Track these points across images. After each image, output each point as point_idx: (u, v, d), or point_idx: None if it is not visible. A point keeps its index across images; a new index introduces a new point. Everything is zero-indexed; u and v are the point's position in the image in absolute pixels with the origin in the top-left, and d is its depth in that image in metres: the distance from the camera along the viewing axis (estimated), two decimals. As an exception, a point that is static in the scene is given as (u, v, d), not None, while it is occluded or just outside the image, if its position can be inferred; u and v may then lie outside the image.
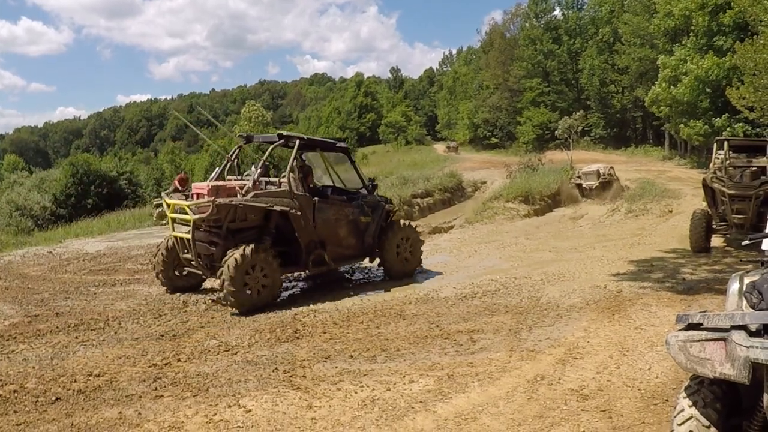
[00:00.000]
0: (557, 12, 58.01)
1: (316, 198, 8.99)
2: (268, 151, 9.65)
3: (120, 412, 4.65)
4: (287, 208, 8.49)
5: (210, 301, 8.38)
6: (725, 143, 12.01)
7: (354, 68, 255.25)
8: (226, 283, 7.71)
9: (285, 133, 9.63)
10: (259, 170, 9.03)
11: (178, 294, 8.97)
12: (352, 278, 10.30)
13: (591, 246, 12.44)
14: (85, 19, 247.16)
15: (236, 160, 9.81)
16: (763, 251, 3.81)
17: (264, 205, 8.39)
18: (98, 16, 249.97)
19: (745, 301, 3.04)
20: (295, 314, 7.57)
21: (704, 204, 12.24)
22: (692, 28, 30.45)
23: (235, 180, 9.23)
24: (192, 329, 7.02)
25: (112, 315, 7.78)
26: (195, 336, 6.73)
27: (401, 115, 72.09)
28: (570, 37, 55.04)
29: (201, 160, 52.21)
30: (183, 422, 4.45)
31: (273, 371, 5.46)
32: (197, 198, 8.32)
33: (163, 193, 9.70)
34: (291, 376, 5.32)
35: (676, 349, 2.90)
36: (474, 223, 18.08)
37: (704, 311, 2.99)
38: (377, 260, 10.03)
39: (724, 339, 2.75)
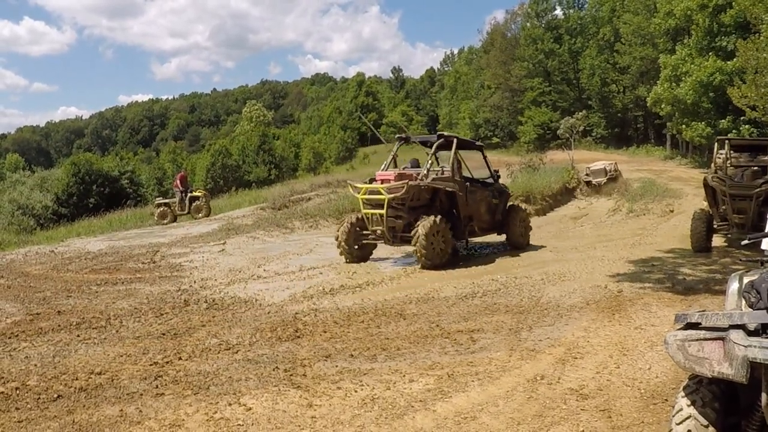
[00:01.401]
0: (558, 11, 58.10)
1: (467, 183, 11.32)
2: (434, 147, 11.31)
3: (121, 410, 4.66)
4: (454, 190, 10.75)
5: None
6: (726, 143, 12.00)
7: (356, 68, 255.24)
8: (420, 244, 9.91)
9: (445, 134, 11.78)
10: (429, 162, 10.99)
11: (179, 293, 9.01)
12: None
13: (592, 246, 12.44)
14: (88, 19, 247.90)
15: (396, 155, 11.85)
16: (763, 251, 3.82)
17: (441, 186, 10.72)
18: (100, 17, 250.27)
19: (743, 301, 3.04)
20: (296, 313, 7.58)
21: (705, 204, 12.21)
22: (693, 27, 30.37)
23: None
24: (193, 328, 7.02)
25: (113, 313, 7.80)
26: (196, 335, 6.74)
27: (402, 115, 71.98)
28: (571, 37, 55.04)
29: (202, 159, 52.34)
30: (184, 420, 4.47)
31: (273, 370, 5.47)
32: (382, 183, 10.56)
33: (349, 181, 11.81)
34: (291, 375, 5.33)
35: (675, 349, 2.90)
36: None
37: (703, 311, 2.99)
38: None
39: (722, 338, 2.75)
